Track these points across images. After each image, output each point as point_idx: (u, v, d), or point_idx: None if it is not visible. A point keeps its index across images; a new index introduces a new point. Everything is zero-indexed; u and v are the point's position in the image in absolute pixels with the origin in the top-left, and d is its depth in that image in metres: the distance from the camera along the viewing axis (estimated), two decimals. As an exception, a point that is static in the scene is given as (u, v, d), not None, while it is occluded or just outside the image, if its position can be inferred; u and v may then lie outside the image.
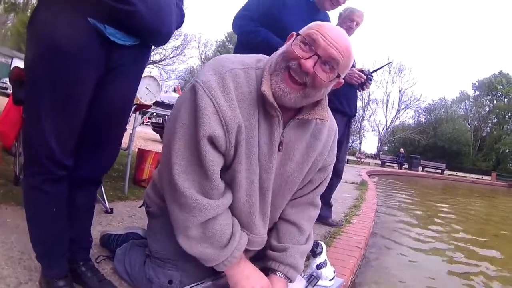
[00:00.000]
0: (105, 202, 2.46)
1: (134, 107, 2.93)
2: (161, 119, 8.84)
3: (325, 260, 1.93)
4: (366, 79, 3.02)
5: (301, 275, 1.55)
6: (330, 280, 1.89)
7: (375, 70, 3.71)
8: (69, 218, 1.32)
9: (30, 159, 1.22)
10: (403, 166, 25.06)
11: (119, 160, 4.59)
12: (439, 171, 26.23)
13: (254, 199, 1.27)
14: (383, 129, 43.84)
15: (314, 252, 1.97)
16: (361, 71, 3.01)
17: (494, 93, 44.87)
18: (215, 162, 1.14)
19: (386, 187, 10.76)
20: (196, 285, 1.28)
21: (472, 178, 25.40)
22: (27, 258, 1.48)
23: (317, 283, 1.54)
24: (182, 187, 1.14)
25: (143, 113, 3.60)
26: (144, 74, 3.32)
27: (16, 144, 2.61)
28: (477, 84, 45.89)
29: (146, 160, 3.50)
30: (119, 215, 2.39)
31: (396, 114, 44.44)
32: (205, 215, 1.16)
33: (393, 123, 44.75)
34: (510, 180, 25.49)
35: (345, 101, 3.11)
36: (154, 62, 34.02)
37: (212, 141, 1.12)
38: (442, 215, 6.72)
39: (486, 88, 44.71)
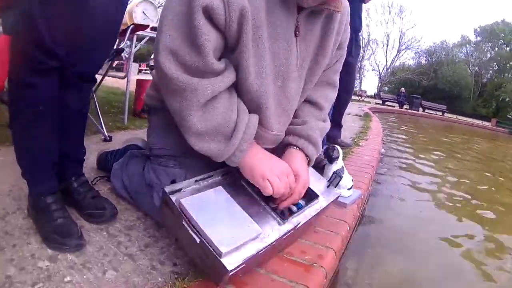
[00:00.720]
0: (104, 130, 2.35)
1: (131, 27, 2.73)
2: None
3: (342, 167, 1.82)
4: None
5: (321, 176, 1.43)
6: (349, 189, 1.82)
7: None
8: (60, 126, 1.17)
9: (16, 54, 1.06)
10: (404, 105, 24.84)
11: (118, 98, 4.51)
12: (440, 112, 25.95)
13: (265, 87, 1.09)
14: (383, 69, 43.28)
15: (330, 157, 1.86)
16: None
17: (496, 40, 43.85)
18: (211, 39, 0.97)
19: (390, 124, 10.71)
20: (202, 179, 1.09)
21: (471, 123, 24.80)
22: (17, 189, 1.36)
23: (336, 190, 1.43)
24: (168, 69, 0.99)
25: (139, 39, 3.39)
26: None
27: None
28: (478, 30, 44.70)
29: (145, 89, 3.29)
30: (118, 143, 2.23)
31: (396, 55, 43.79)
32: (199, 96, 1.00)
33: (393, 64, 44.12)
34: (508, 127, 25.57)
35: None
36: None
37: (209, 14, 0.96)
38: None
39: (488, 34, 43.65)
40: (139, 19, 2.97)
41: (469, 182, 3.86)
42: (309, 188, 1.20)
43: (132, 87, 3.27)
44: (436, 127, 15.04)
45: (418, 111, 23.84)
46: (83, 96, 1.29)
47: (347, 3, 1.30)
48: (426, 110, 25.60)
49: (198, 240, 0.88)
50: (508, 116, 37.71)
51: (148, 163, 1.31)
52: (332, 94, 1.41)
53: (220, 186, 1.04)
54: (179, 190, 1.01)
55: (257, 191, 1.08)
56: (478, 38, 44.83)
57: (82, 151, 1.37)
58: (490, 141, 12.75)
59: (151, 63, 9.78)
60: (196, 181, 1.07)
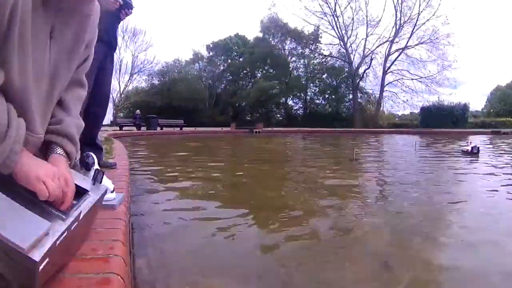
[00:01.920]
0: None
1: None
2: None
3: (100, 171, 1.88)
4: (123, 4, 2.91)
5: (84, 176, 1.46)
6: (112, 192, 1.91)
7: None
8: None
9: None
10: (142, 127, 25.53)
11: None
12: (178, 128, 27.69)
13: (29, 87, 1.09)
14: (116, 95, 43.12)
15: (86, 164, 1.88)
16: None
17: (229, 53, 49.96)
18: None
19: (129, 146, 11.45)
20: None
21: (213, 130, 27.74)
22: None
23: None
24: None
25: None
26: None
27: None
28: (211, 45, 50.11)
29: None
30: None
31: (129, 79, 44.35)
32: None
33: (126, 88, 44.59)
34: (247, 128, 29.61)
35: (103, 28, 2.93)
36: None
37: None
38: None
39: (221, 49, 49.35)
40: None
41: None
42: (77, 185, 1.23)
43: None
44: (175, 140, 16.74)
45: (156, 130, 24.91)
46: None
47: (99, 5, 1.37)
48: (164, 128, 26.82)
49: None
50: (247, 118, 43.58)
51: None
52: (82, 92, 1.45)
53: None
54: None
55: (34, 195, 1.05)
56: (211, 53, 49.80)
57: None
58: (235, 140, 15.64)
59: None
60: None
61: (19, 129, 1.03)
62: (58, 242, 0.95)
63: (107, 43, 3.10)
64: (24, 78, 1.07)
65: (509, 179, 5.30)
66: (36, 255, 0.85)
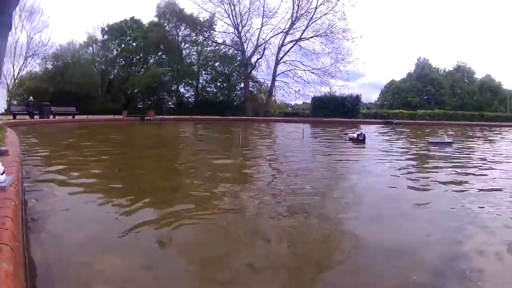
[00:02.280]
0: None
1: None
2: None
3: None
4: None
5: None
6: (2, 174, 2.15)
7: None
8: None
9: None
10: (35, 115, 24.42)
11: None
12: (71, 116, 27.01)
13: None
14: (10, 80, 40.34)
15: None
16: None
17: (123, 37, 46.98)
18: None
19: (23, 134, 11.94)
20: None
21: (104, 118, 27.26)
22: None
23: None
24: None
25: None
26: None
27: None
28: (106, 29, 46.62)
29: None
30: None
31: (23, 63, 41.52)
32: None
33: (21, 73, 41.87)
34: (139, 115, 29.99)
35: None
36: None
37: None
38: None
39: (116, 32, 46.39)
40: None
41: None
42: None
43: None
44: (70, 129, 17.04)
45: (49, 118, 24.55)
46: None
47: None
48: (57, 116, 26.24)
49: None
50: (139, 106, 42.38)
51: None
52: None
53: None
54: None
55: None
56: (106, 37, 46.41)
57: None
58: (127, 129, 16.20)
59: None
60: None
61: None
62: None
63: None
64: None
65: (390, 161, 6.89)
66: None
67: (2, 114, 32.60)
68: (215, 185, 4.45)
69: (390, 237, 2.87)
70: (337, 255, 2.55)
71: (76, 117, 27.29)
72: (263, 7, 44.01)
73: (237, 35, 45.66)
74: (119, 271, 2.05)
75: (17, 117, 23.56)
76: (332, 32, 42.42)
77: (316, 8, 42.20)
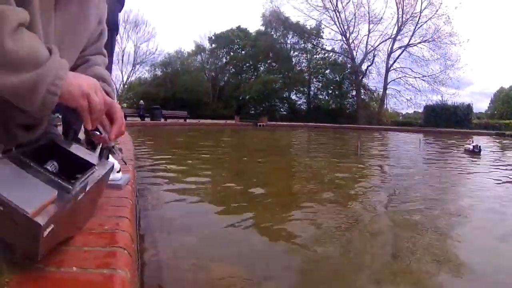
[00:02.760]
0: None
1: None
2: None
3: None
4: None
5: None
6: (118, 172, 1.91)
7: None
8: None
9: None
10: (145, 117, 25.51)
11: None
12: (182, 119, 27.63)
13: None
14: (120, 85, 43.20)
15: (93, 143, 1.88)
16: None
17: (231, 46, 49.42)
18: None
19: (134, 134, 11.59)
20: None
21: (216, 123, 27.72)
22: None
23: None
24: None
25: None
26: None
27: None
28: (213, 37, 49.51)
29: None
30: None
31: (132, 69, 44.49)
32: (10, 21, 0.83)
33: (129, 79, 44.84)
34: (252, 121, 29.66)
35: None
36: None
37: None
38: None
39: (223, 40, 48.82)
40: None
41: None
42: (83, 159, 1.23)
43: None
44: (181, 131, 16.91)
45: (160, 120, 24.91)
46: None
47: None
48: (168, 119, 26.74)
49: (1, 208, 0.81)
50: (250, 112, 43.42)
51: None
52: (105, 59, 1.44)
53: (4, 158, 0.97)
54: None
55: (44, 167, 1.03)
56: (213, 45, 49.24)
57: None
58: (240, 133, 16.13)
59: None
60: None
61: (61, 59, 0.94)
62: (63, 211, 0.94)
63: (114, 27, 3.03)
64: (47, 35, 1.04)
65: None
66: (40, 219, 0.83)
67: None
68: (344, 193, 3.91)
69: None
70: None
71: (188, 120, 27.64)
72: (368, 13, 43.53)
73: (345, 42, 45.19)
74: (238, 281, 1.82)
75: (128, 118, 24.53)
76: (439, 37, 41.08)
77: (420, 12, 41.07)
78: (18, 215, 0.82)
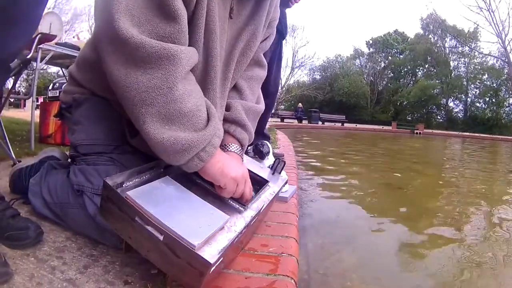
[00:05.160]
0: (12, 154, 2.09)
1: (38, 37, 2.57)
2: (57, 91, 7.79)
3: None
4: None
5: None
6: (285, 183, 1.81)
7: None
8: None
9: None
10: (303, 120, 25.99)
11: (21, 127, 4.17)
12: (339, 123, 27.56)
13: (215, 69, 1.01)
14: (279, 87, 44.74)
15: (261, 153, 1.85)
16: None
17: (389, 50, 48.80)
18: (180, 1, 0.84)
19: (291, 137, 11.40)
20: (143, 171, 0.92)
21: (373, 128, 27.09)
22: None
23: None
24: (131, 34, 0.78)
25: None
26: (46, 11, 3.05)
27: None
28: (371, 42, 49.43)
29: (50, 113, 3.23)
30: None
31: (290, 73, 45.75)
32: (176, 66, 0.81)
33: (288, 82, 46.07)
34: (410, 128, 28.18)
35: None
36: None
37: None
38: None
39: (381, 45, 48.45)
40: (44, 31, 2.88)
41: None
42: (256, 174, 1.15)
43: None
44: (338, 136, 16.24)
45: (317, 124, 25.18)
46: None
47: None
48: (326, 122, 26.89)
49: (161, 237, 0.74)
50: (407, 118, 42.11)
51: (73, 166, 1.11)
52: (262, 73, 1.36)
53: (167, 176, 0.92)
54: (121, 184, 0.84)
55: (208, 182, 0.96)
56: (371, 50, 49.18)
57: None
58: (396, 141, 14.93)
59: (50, 94, 8.70)
60: (137, 173, 0.90)
61: (219, 123, 0.96)
62: (234, 242, 0.83)
63: (279, 31, 2.94)
64: (211, 60, 1.01)
65: None
66: (209, 256, 0.73)
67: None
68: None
69: None
70: None
71: (345, 125, 27.37)
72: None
73: (501, 44, 40.17)
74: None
75: (285, 120, 25.69)
76: None
77: None
78: (182, 247, 0.73)
